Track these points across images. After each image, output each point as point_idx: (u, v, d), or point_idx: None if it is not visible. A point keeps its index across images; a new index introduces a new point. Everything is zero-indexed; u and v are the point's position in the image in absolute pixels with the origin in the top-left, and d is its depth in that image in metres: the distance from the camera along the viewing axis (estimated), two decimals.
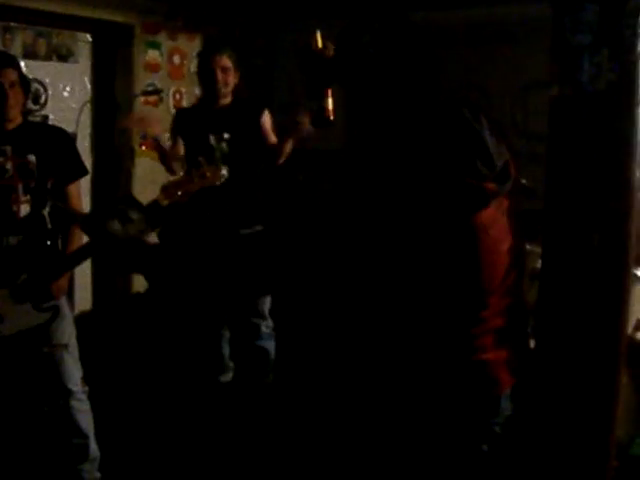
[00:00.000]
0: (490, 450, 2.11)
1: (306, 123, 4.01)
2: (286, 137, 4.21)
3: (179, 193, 3.26)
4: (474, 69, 5.45)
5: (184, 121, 4.54)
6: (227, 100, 4.44)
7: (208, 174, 3.33)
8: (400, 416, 2.14)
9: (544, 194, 2.97)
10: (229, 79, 4.38)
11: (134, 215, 2.31)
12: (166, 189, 3.24)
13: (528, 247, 4.29)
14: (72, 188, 3.49)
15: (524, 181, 4.47)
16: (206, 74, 4.39)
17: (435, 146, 1.91)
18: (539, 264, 4.04)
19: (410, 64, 2.01)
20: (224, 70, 4.35)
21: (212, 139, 4.35)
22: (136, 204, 2.39)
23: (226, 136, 4.36)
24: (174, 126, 4.60)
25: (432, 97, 2.03)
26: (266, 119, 4.47)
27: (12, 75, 3.28)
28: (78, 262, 3.41)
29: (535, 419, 2.86)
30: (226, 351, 4.75)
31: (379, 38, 2.00)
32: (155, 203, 3.23)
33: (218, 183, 3.41)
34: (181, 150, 4.45)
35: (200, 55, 4.62)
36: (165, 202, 3.24)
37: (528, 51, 5.07)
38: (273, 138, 4.43)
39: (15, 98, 3.29)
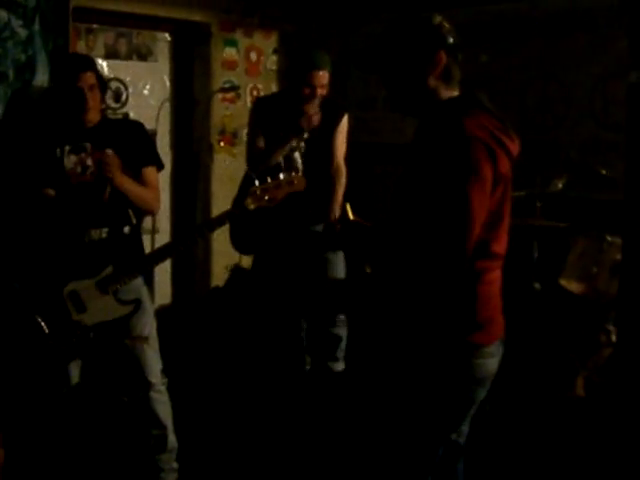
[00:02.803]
0: None
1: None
2: None
3: (266, 198, 3.32)
4: (551, 59, 5.36)
5: (265, 113, 4.48)
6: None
7: (295, 181, 3.39)
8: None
9: (624, 184, 2.91)
10: (324, 91, 4.33)
11: None
12: (254, 193, 3.31)
13: (609, 238, 4.22)
14: (148, 172, 3.53)
15: (604, 171, 4.40)
16: (303, 85, 4.29)
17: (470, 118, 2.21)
18: (620, 256, 3.98)
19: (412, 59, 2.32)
20: (322, 86, 4.30)
21: (294, 140, 4.32)
22: None
23: (305, 136, 4.35)
24: (255, 118, 4.51)
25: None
26: (343, 126, 4.45)
27: (91, 78, 3.38)
28: (162, 259, 3.47)
29: (616, 410, 2.80)
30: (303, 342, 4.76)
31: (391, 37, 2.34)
32: (243, 207, 3.29)
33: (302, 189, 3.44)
34: (262, 144, 4.39)
35: (298, 66, 4.35)
36: (252, 206, 3.30)
37: (606, 39, 4.96)
38: (341, 150, 4.44)
39: (94, 100, 3.39)
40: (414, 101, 2.37)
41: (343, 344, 4.64)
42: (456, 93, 2.36)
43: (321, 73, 4.24)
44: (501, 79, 5.66)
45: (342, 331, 4.64)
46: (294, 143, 4.30)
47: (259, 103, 4.66)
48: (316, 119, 4.23)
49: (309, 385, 4.67)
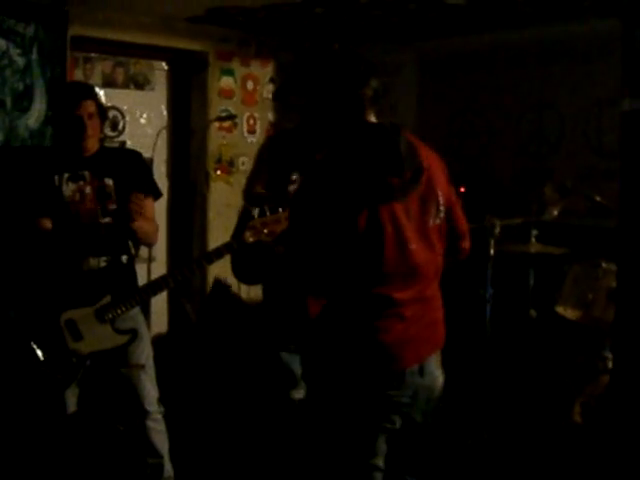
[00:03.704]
0: (405, 419, 2.48)
1: None
2: None
3: (265, 232, 3.32)
4: (546, 87, 5.41)
5: (277, 153, 4.25)
6: None
7: None
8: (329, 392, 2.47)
9: (618, 211, 2.92)
10: None
11: None
12: (253, 227, 3.32)
13: (604, 265, 4.23)
14: (146, 203, 3.52)
15: (598, 198, 4.42)
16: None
17: (358, 152, 2.38)
18: (615, 283, 3.98)
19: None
20: None
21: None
22: None
23: None
24: (265, 157, 4.33)
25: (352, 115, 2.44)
26: None
27: (90, 107, 3.40)
28: (160, 290, 3.47)
29: (613, 437, 2.80)
30: (298, 367, 4.72)
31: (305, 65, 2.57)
32: (241, 240, 3.30)
33: None
34: (261, 190, 4.30)
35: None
36: (251, 239, 3.31)
37: (600, 68, 5.02)
38: None
39: (93, 128, 3.41)
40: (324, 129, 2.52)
41: None
42: (373, 120, 2.47)
43: None
44: (496, 107, 5.70)
45: None
46: None
47: (272, 143, 4.54)
48: None
49: (303, 414, 4.65)
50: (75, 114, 3.35)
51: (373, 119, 2.48)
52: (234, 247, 3.40)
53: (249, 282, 4.81)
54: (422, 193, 2.45)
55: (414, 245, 2.41)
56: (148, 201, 3.56)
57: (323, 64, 2.49)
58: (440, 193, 2.51)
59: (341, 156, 2.40)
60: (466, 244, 2.77)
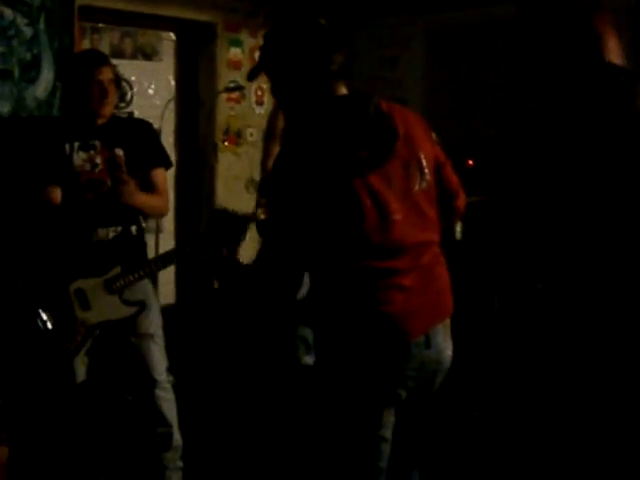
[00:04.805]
0: (410, 394, 2.42)
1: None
2: None
3: None
4: None
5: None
6: None
7: None
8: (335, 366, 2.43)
9: None
10: None
11: None
12: (264, 205, 3.33)
13: None
14: (157, 174, 3.57)
15: None
16: None
17: (323, 127, 2.36)
18: None
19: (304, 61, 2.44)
20: None
21: None
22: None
23: None
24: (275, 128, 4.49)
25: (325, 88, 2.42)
26: None
27: (110, 73, 3.42)
28: (170, 262, 3.49)
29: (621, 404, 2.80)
30: (310, 333, 4.73)
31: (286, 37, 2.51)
32: (254, 217, 3.32)
33: None
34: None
35: None
36: (263, 217, 3.32)
37: (624, 41, 4.98)
38: None
39: (112, 95, 3.43)
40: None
41: None
42: (344, 91, 2.45)
43: None
44: (504, 80, 5.68)
45: None
46: None
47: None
48: None
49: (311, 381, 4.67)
50: (97, 79, 3.36)
51: (344, 91, 2.45)
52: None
53: None
54: (404, 159, 2.41)
55: (399, 215, 2.37)
56: (159, 171, 3.57)
57: (283, 43, 2.49)
58: (423, 156, 2.46)
59: (307, 132, 2.39)
60: (460, 203, 2.71)
